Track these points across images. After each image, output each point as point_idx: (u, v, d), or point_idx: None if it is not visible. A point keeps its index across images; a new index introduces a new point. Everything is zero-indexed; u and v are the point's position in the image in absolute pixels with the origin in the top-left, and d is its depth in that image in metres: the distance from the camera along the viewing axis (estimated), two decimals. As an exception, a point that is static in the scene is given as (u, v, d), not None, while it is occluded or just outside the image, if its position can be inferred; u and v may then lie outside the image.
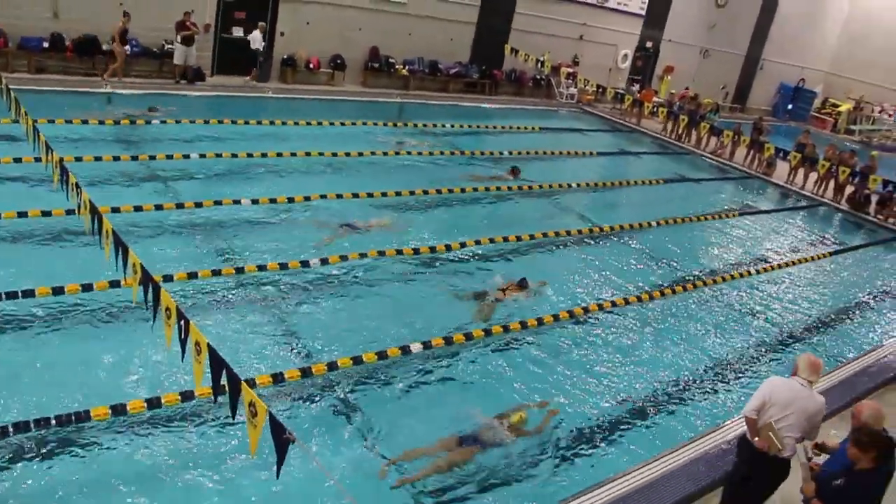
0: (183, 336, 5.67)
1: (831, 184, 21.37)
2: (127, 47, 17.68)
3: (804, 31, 36.10)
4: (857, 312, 13.36)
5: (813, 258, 15.84)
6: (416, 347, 8.75)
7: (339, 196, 13.10)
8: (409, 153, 17.07)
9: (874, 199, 20.65)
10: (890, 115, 35.45)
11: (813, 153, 21.79)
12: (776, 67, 36.22)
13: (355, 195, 13.29)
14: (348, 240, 11.61)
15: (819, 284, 14.47)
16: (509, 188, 15.76)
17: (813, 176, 21.80)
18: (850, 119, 36.33)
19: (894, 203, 19.99)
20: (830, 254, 16.58)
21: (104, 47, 17.63)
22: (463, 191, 14.96)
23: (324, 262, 10.48)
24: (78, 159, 12.16)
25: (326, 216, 12.39)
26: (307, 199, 12.71)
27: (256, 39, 19.70)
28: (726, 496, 6.65)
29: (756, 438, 6.09)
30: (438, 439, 7.22)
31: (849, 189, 21.11)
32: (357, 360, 8.22)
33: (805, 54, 36.94)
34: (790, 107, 37.07)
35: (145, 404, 6.83)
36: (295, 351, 8.42)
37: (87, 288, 8.49)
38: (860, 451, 5.38)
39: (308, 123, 17.42)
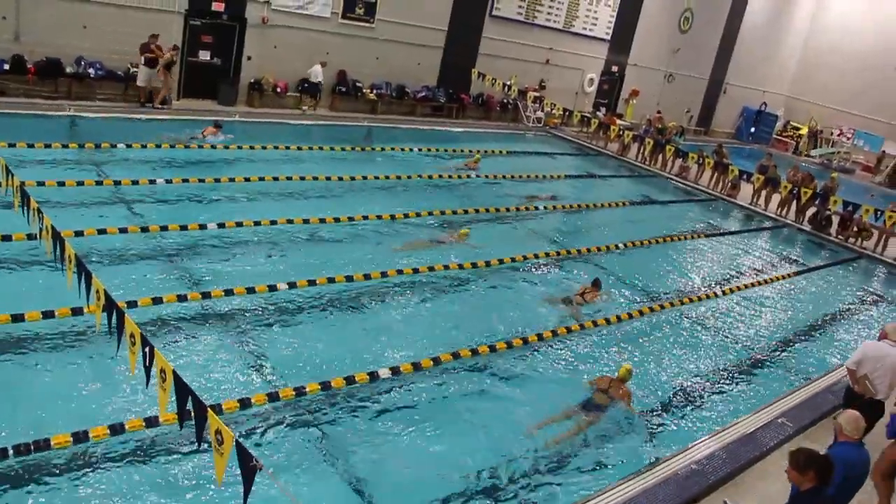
0: (148, 363, 5.58)
1: (794, 205, 21.77)
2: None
3: (765, 56, 36.98)
4: (821, 331, 13.58)
5: (777, 278, 16.08)
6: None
7: (290, 221, 13.10)
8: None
9: (835, 219, 21.06)
10: (848, 138, 36.29)
11: (775, 175, 22.19)
12: (739, 91, 36.98)
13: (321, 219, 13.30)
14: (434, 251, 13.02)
15: (783, 304, 14.68)
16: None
17: (776, 197, 22.19)
18: (810, 142, 37.18)
19: (854, 223, 20.40)
20: (794, 274, 16.85)
21: (68, 70, 17.47)
22: (443, 213, 15.03)
23: (291, 285, 10.39)
24: (40, 183, 12.00)
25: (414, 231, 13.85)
26: (273, 222, 12.64)
27: (317, 73, 21.22)
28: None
29: (855, 386, 8.18)
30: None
31: (810, 210, 21.53)
32: (324, 385, 8.17)
33: (766, 78, 37.81)
34: (753, 130, 37.81)
35: (108, 430, 6.69)
36: (264, 375, 8.33)
37: (48, 315, 8.32)
38: (799, 473, 5.40)
39: (276, 147, 17.37)
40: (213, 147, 16.64)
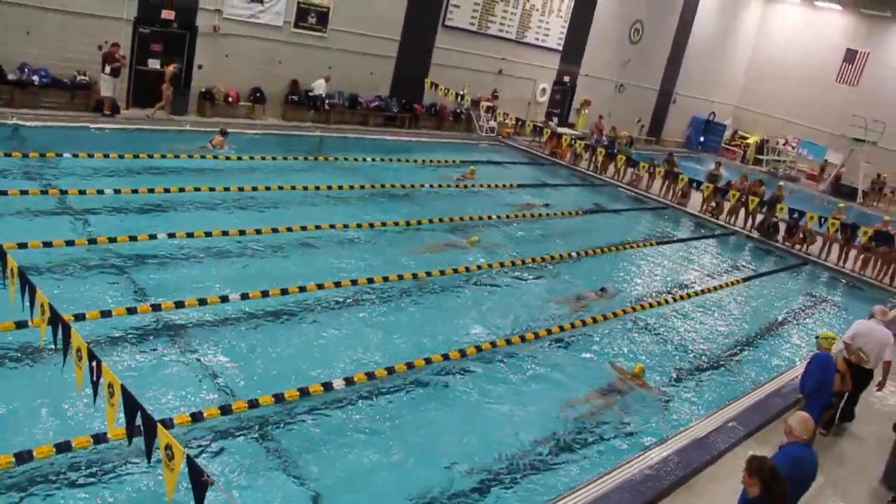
0: (95, 378, 5.45)
1: (742, 212, 22.23)
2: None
3: (713, 67, 37.82)
4: (769, 335, 13.87)
5: (726, 284, 16.38)
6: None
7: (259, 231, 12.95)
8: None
9: (782, 226, 21.55)
10: (793, 148, 37.22)
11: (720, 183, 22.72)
12: (688, 101, 37.70)
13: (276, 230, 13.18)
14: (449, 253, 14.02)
15: (732, 309, 14.96)
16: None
17: (725, 205, 22.61)
18: (757, 150, 38.12)
19: (800, 230, 20.90)
20: (742, 280, 17.19)
21: (10, 77, 17.02)
22: (396, 224, 15.04)
23: (244, 297, 10.25)
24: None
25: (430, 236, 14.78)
26: (225, 233, 12.47)
27: (321, 87, 22.08)
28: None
29: (851, 356, 9.63)
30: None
31: (758, 217, 22.00)
32: (278, 397, 8.07)
33: (715, 88, 38.64)
34: (702, 139, 38.58)
35: (54, 449, 6.50)
36: (217, 388, 8.20)
37: (-10, 329, 8.09)
38: (749, 477, 5.58)
39: (239, 158, 17.18)
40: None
